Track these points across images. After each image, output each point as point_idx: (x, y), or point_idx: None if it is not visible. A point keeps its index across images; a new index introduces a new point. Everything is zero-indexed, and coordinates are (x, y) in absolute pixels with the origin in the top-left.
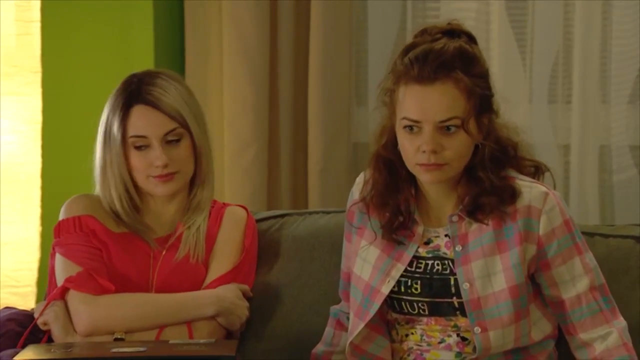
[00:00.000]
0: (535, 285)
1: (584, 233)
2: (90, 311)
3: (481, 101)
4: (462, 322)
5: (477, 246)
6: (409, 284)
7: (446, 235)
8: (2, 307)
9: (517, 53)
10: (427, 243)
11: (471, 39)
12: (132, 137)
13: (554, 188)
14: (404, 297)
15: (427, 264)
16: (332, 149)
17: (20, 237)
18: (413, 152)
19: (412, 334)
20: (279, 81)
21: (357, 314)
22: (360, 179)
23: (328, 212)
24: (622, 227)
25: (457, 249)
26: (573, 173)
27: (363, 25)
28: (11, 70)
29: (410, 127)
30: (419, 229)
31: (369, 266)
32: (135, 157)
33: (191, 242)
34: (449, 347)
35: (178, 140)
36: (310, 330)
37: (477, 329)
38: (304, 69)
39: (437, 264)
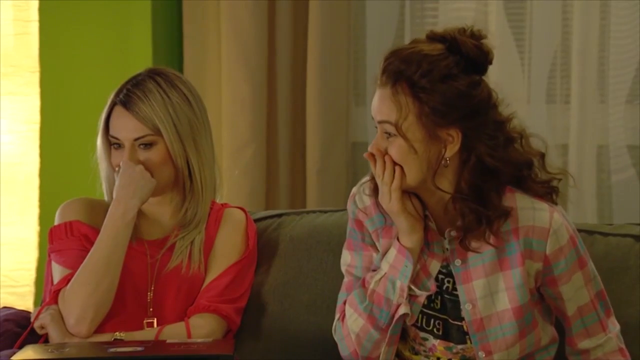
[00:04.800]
0: (540, 295)
1: (583, 232)
2: (64, 306)
3: (429, 113)
4: (469, 352)
5: (479, 263)
6: (432, 297)
7: (447, 249)
8: (0, 307)
9: (515, 53)
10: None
11: (457, 49)
12: (109, 135)
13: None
14: (425, 310)
15: (442, 280)
16: (330, 148)
17: (18, 237)
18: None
19: None
20: (277, 81)
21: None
22: (356, 189)
23: (326, 212)
24: (621, 226)
25: (456, 263)
26: (571, 173)
27: (361, 25)
28: (9, 70)
29: (376, 126)
30: (432, 225)
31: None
32: (112, 156)
33: (184, 254)
34: None
35: (150, 146)
36: (307, 329)
37: (482, 354)
38: (302, 69)
39: (448, 281)
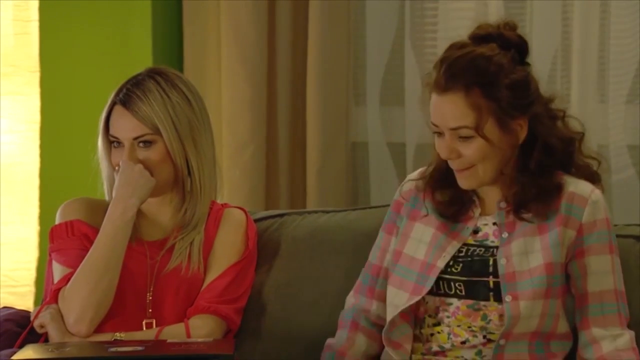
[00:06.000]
0: (566, 281)
1: None
2: (64, 305)
3: (505, 109)
4: (492, 310)
5: (521, 229)
6: (451, 263)
7: (494, 224)
8: (0, 307)
9: None
10: (475, 232)
11: (507, 43)
12: (109, 135)
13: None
14: (444, 275)
15: (469, 249)
16: (330, 148)
17: (18, 237)
18: (440, 152)
19: (439, 332)
20: (277, 81)
21: (413, 291)
22: (413, 174)
23: (327, 212)
24: (621, 226)
25: (503, 235)
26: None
27: (361, 25)
28: (9, 69)
29: (436, 132)
30: (476, 211)
31: (424, 245)
32: (112, 155)
33: (183, 255)
34: (473, 347)
35: (149, 145)
36: (308, 329)
37: (509, 297)
38: (302, 69)
39: (480, 250)
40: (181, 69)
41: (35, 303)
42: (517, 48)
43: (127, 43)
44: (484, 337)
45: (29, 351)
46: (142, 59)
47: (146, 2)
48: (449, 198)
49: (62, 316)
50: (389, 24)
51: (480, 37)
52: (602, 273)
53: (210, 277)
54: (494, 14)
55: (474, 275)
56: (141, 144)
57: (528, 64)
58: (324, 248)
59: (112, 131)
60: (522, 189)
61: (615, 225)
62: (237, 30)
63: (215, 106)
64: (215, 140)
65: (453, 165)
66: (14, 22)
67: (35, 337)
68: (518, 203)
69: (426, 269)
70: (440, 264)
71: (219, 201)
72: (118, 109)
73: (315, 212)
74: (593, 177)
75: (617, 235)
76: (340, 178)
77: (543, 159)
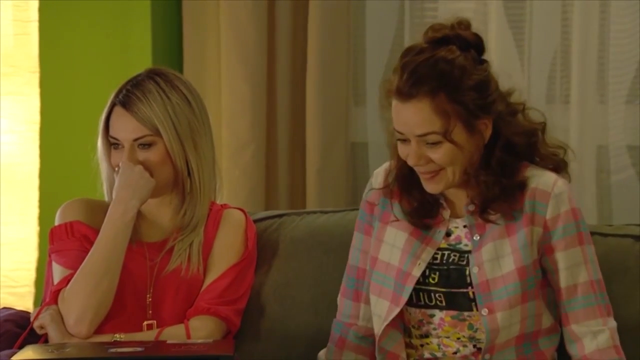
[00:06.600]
0: (543, 274)
1: None
2: (64, 306)
3: (471, 111)
4: (476, 319)
5: (490, 232)
6: (427, 273)
7: (465, 226)
8: (0, 308)
9: (515, 53)
10: (448, 235)
11: (466, 44)
12: (109, 136)
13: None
14: (422, 286)
15: (444, 254)
16: (330, 148)
17: (18, 237)
18: (407, 159)
19: (428, 344)
20: (277, 81)
21: (392, 300)
22: (378, 171)
23: (326, 212)
24: (621, 226)
25: (475, 238)
26: (571, 173)
27: (361, 25)
28: (9, 70)
29: (401, 139)
30: (445, 214)
31: (398, 251)
32: (112, 156)
33: (183, 256)
34: (464, 357)
35: (149, 146)
36: (307, 330)
37: (485, 311)
38: (301, 69)
39: (454, 255)
40: (181, 69)
41: (35, 304)
42: (475, 47)
43: (127, 43)
44: (474, 346)
45: (28, 352)
46: (142, 60)
47: (146, 3)
48: (417, 203)
49: (62, 317)
50: (389, 24)
51: (438, 39)
52: (575, 266)
53: (209, 278)
54: (494, 14)
55: (452, 287)
56: (141, 146)
57: (486, 61)
58: (322, 248)
59: (112, 132)
60: (486, 188)
61: (611, 225)
62: (237, 30)
63: (215, 106)
64: (215, 141)
65: (420, 169)
66: (14, 22)
67: (35, 337)
68: (483, 204)
69: (402, 277)
70: (416, 272)
71: (218, 202)
72: (118, 110)
73: (314, 212)
74: (559, 166)
75: (616, 235)
76: (340, 178)
77: (505, 157)
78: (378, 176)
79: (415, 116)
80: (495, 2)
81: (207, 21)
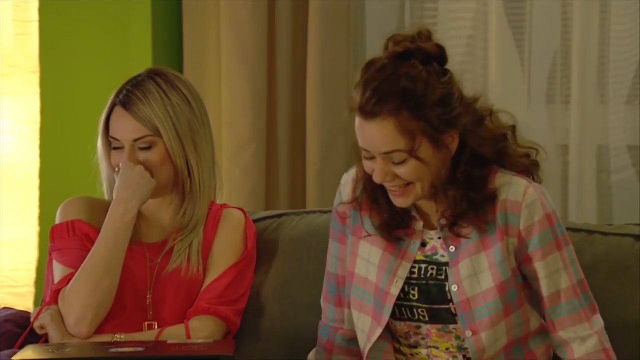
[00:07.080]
0: (523, 280)
1: (583, 231)
2: (64, 306)
3: (436, 127)
4: (462, 332)
5: (465, 246)
6: (407, 289)
7: (439, 238)
8: (0, 308)
9: (515, 53)
10: (423, 245)
11: (428, 57)
12: (109, 136)
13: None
14: (403, 302)
15: (421, 268)
16: (330, 149)
17: (18, 238)
18: (374, 177)
19: (418, 354)
20: (277, 81)
21: (374, 317)
22: (346, 179)
23: (326, 212)
24: (621, 226)
25: (451, 250)
26: (571, 173)
27: (361, 25)
28: (9, 70)
29: (367, 157)
30: (418, 225)
31: (374, 267)
32: (112, 156)
33: (182, 257)
34: None
35: (150, 146)
36: (307, 330)
37: (469, 333)
38: (302, 69)
39: (432, 269)
40: (181, 69)
41: (35, 303)
42: (438, 59)
43: (127, 43)
44: (464, 356)
45: (29, 352)
46: (142, 59)
47: (146, 2)
48: (387, 215)
49: (62, 317)
50: (389, 25)
51: (399, 54)
52: (555, 273)
53: (209, 278)
54: (494, 14)
55: (434, 303)
56: (141, 146)
57: (449, 72)
58: (322, 248)
59: (112, 133)
60: (454, 203)
61: (611, 225)
62: (237, 30)
63: (215, 106)
64: (215, 141)
65: (388, 186)
66: (14, 22)
67: (36, 338)
68: (453, 218)
69: (381, 295)
70: (395, 291)
71: (218, 202)
72: (118, 110)
73: (314, 212)
74: (529, 170)
75: (616, 234)
76: (340, 178)
77: (471, 170)
78: (346, 187)
79: (379, 135)
80: (495, 2)
81: (207, 21)
